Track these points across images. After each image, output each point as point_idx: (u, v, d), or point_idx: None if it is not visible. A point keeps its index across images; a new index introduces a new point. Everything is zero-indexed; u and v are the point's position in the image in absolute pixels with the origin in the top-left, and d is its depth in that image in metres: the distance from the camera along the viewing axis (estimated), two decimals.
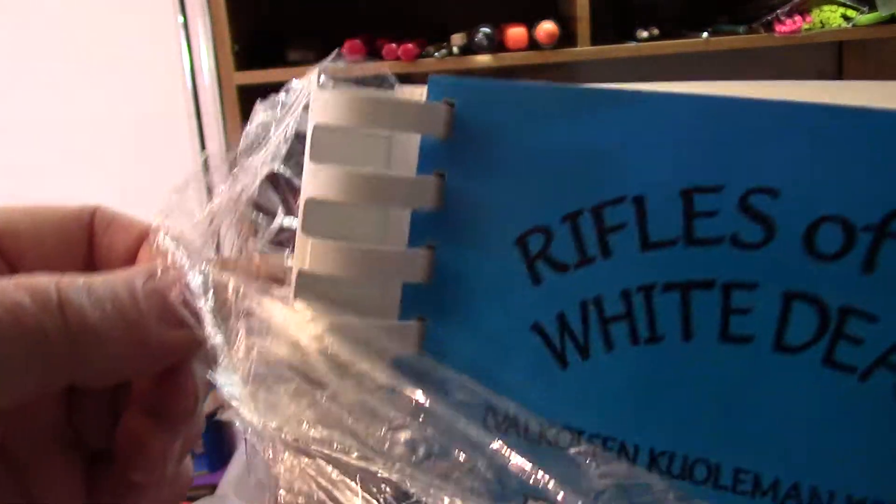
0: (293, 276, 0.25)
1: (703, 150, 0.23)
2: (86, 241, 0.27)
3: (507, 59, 1.22)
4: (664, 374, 0.24)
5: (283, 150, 0.27)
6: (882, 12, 1.19)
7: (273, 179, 0.28)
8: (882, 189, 0.22)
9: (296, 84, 0.28)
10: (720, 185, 0.23)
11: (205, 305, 0.25)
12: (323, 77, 0.27)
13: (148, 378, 0.25)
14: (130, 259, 0.26)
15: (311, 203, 0.25)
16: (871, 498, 0.22)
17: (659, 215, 0.24)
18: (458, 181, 0.25)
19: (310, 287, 0.25)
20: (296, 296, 0.25)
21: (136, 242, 0.26)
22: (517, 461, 0.23)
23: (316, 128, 0.25)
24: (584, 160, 0.24)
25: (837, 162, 0.22)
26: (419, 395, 0.24)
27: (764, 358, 0.23)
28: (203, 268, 0.26)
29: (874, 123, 0.22)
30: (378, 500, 0.23)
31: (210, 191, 0.28)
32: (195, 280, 0.25)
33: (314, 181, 0.25)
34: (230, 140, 1.28)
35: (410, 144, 0.26)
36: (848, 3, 1.21)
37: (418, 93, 0.26)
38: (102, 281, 0.23)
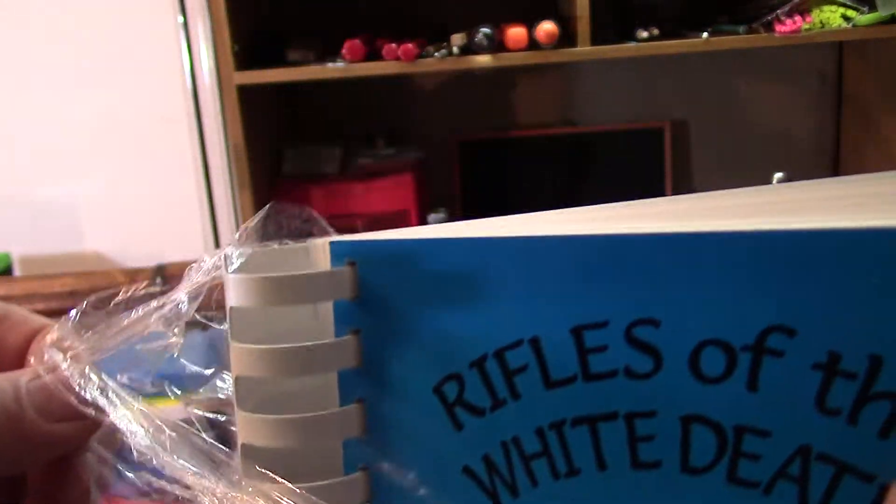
0: (238, 452, 0.27)
1: (586, 287, 0.24)
2: None
3: (507, 59, 1.22)
4: (587, 502, 0.25)
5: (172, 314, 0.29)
6: (882, 12, 1.19)
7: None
8: (753, 308, 0.22)
9: (207, 262, 0.29)
10: (605, 320, 0.24)
11: (92, 392, 0.26)
12: (236, 253, 0.28)
13: (40, 470, 0.25)
14: (20, 357, 0.26)
15: (241, 380, 0.27)
16: None
17: (555, 354, 0.24)
18: (374, 338, 0.26)
19: (254, 460, 0.27)
20: (242, 470, 0.27)
21: (27, 341, 0.26)
22: None
23: (232, 310, 0.27)
24: (481, 306, 0.25)
25: (709, 286, 0.23)
26: None
27: (674, 481, 0.24)
28: (86, 371, 0.27)
29: (737, 246, 0.22)
30: None
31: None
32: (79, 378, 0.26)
33: (239, 360, 0.26)
34: (230, 140, 1.28)
35: (324, 309, 0.27)
36: (848, 3, 1.21)
37: (323, 249, 0.27)
38: None
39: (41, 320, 0.27)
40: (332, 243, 0.27)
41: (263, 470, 0.27)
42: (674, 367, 0.23)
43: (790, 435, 0.22)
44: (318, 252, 0.28)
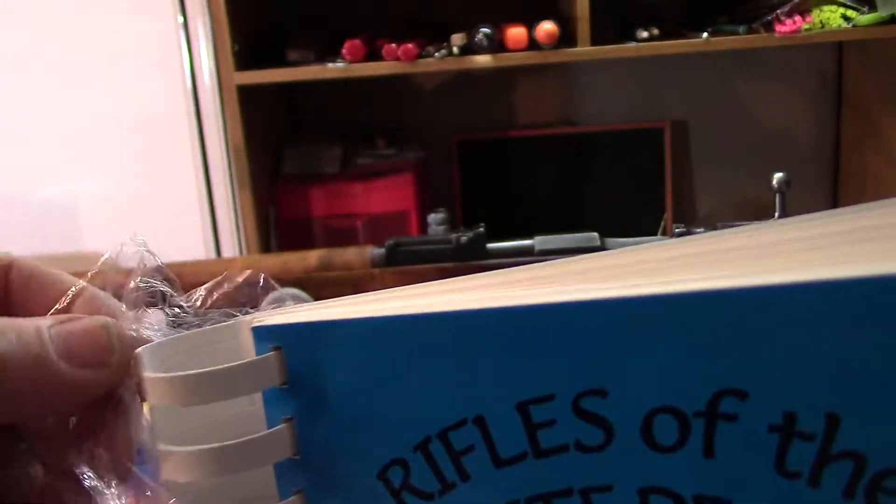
0: None
1: (528, 360, 0.23)
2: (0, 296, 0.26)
3: (507, 59, 1.22)
4: None
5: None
6: (882, 12, 1.19)
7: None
8: (702, 372, 0.21)
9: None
10: (550, 393, 0.23)
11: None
12: (147, 353, 0.25)
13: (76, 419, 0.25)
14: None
15: (175, 487, 0.25)
16: None
17: (502, 432, 0.23)
18: (308, 425, 0.25)
19: None
20: None
21: (53, 301, 0.26)
22: None
23: (153, 409, 0.25)
24: (418, 386, 0.24)
25: (655, 351, 0.21)
26: None
27: None
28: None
29: (679, 308, 0.21)
30: None
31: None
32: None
33: (172, 466, 0.25)
34: (230, 140, 1.28)
35: (253, 401, 0.25)
36: (848, 3, 1.21)
37: (245, 333, 0.25)
38: (7, 319, 0.23)
39: (70, 280, 0.27)
40: (254, 329, 0.25)
41: None
42: (626, 437, 0.22)
43: (751, 501, 0.22)
44: (245, 332, 0.25)
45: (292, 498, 0.25)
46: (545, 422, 0.23)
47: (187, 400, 0.24)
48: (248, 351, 0.25)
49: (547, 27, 1.19)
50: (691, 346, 0.21)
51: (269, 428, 0.25)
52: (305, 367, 0.25)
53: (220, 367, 0.24)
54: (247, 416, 0.26)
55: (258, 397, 0.25)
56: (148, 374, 0.24)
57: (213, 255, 1.58)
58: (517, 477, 0.23)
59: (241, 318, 0.26)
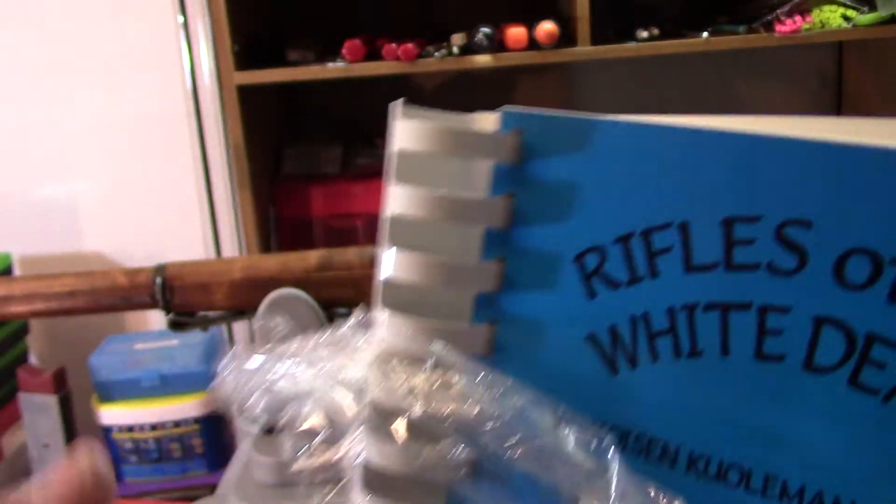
0: (377, 286, 0.29)
1: (745, 182, 0.25)
2: None
3: (507, 59, 1.22)
4: (704, 385, 0.26)
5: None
6: (882, 12, 1.19)
7: None
8: None
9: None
10: (759, 215, 0.25)
11: None
12: (401, 106, 0.30)
13: None
14: None
15: (395, 219, 0.29)
16: None
17: (702, 241, 0.26)
18: (526, 203, 0.28)
19: (392, 294, 0.29)
20: (381, 302, 0.29)
21: None
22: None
23: (400, 153, 0.29)
24: (637, 188, 0.26)
25: (867, 198, 0.23)
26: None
27: (794, 376, 0.25)
28: None
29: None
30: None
31: None
32: None
33: (397, 200, 0.29)
34: (230, 140, 1.28)
35: (485, 167, 0.29)
36: (848, 3, 1.20)
37: (491, 119, 0.29)
38: None
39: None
40: (503, 112, 0.30)
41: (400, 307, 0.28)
42: (818, 268, 0.24)
43: None
44: (485, 122, 0.30)
45: (493, 261, 0.28)
46: (745, 240, 0.25)
47: (436, 147, 0.28)
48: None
49: (547, 27, 1.19)
50: None
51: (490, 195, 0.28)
52: (539, 152, 0.28)
53: (470, 128, 0.29)
54: (468, 187, 0.29)
55: (481, 177, 0.29)
56: (403, 120, 0.29)
57: (213, 255, 1.58)
58: (702, 283, 0.26)
59: (483, 112, 0.30)
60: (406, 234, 0.29)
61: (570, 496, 0.25)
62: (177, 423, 1.05)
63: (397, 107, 0.30)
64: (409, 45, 1.20)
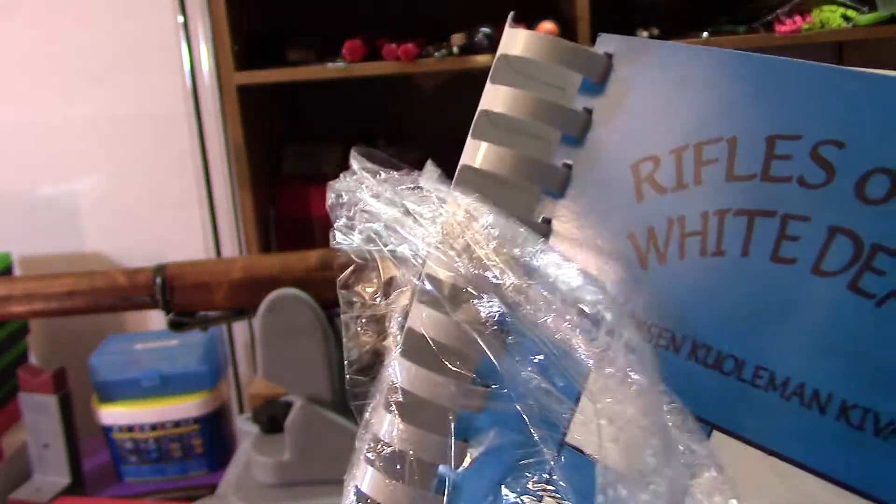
0: (457, 171, 0.33)
1: (790, 104, 0.29)
2: None
3: None
4: (720, 281, 0.29)
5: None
6: (882, 12, 1.19)
7: None
8: None
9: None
10: (799, 134, 0.28)
11: None
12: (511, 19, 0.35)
13: None
14: None
15: (483, 113, 0.33)
16: (862, 405, 0.26)
17: (745, 154, 0.29)
18: (600, 115, 0.32)
19: (469, 180, 0.33)
20: (455, 184, 0.33)
21: None
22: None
23: (501, 56, 0.34)
24: (695, 107, 0.30)
25: (893, 123, 0.27)
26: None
27: (802, 278, 0.28)
28: None
29: None
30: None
31: None
32: None
33: (489, 97, 0.34)
34: (230, 140, 1.28)
35: (576, 79, 0.33)
36: (848, 3, 1.20)
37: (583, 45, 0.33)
38: None
39: None
40: (600, 34, 0.33)
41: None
42: (843, 183, 0.27)
43: None
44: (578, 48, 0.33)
45: (560, 166, 0.32)
46: (783, 155, 0.28)
47: (537, 52, 0.33)
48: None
49: (547, 27, 1.19)
50: None
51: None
52: (620, 73, 0.32)
53: (569, 42, 0.33)
54: (557, 98, 0.33)
55: (571, 91, 0.33)
56: (510, 28, 0.34)
57: (213, 255, 1.58)
58: (738, 191, 0.29)
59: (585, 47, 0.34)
60: (490, 127, 0.33)
61: (585, 374, 0.29)
62: (177, 423, 1.05)
63: (510, 17, 0.35)
64: (409, 45, 1.20)
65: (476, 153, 0.33)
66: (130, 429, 1.05)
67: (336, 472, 0.74)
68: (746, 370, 0.28)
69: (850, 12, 1.20)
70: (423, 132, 1.54)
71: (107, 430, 1.05)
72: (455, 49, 1.21)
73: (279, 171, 1.46)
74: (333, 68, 1.24)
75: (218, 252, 1.58)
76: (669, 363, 0.29)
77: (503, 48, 0.34)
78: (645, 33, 1.24)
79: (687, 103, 0.30)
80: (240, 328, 1.61)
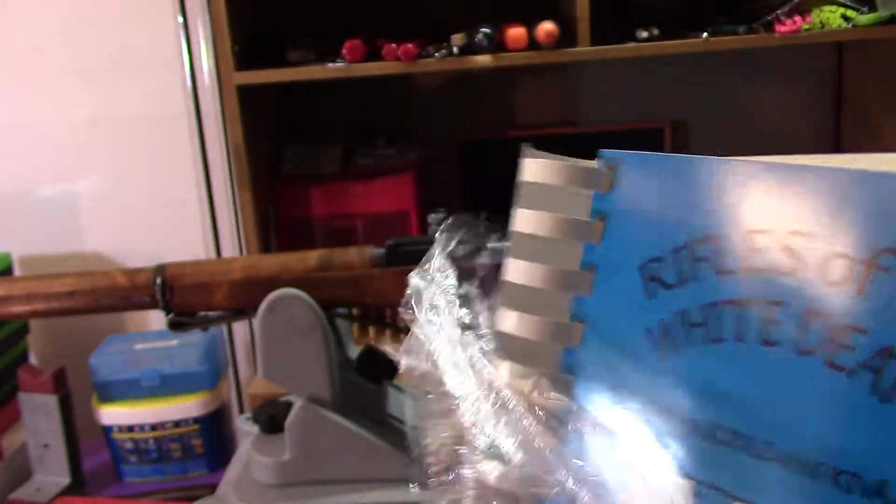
0: (501, 287, 0.39)
1: (760, 202, 0.32)
2: None
3: (507, 59, 1.22)
4: (722, 364, 0.32)
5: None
6: (882, 12, 1.19)
7: None
8: (874, 234, 0.29)
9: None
10: (768, 228, 0.31)
11: None
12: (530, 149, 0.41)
13: None
14: None
15: (516, 235, 0.40)
16: (849, 470, 0.29)
17: (729, 250, 0.32)
18: (613, 223, 0.37)
19: (510, 294, 0.39)
20: (501, 302, 0.39)
21: None
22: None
23: (525, 184, 0.40)
24: (689, 209, 0.34)
25: (853, 212, 0.29)
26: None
27: (786, 358, 0.31)
28: None
29: (864, 184, 0.29)
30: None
31: None
32: None
33: (519, 220, 0.39)
34: (230, 140, 1.28)
35: (585, 198, 0.38)
36: (848, 3, 1.20)
37: (591, 162, 0.39)
38: None
39: None
40: (601, 152, 0.39)
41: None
42: (809, 269, 0.30)
43: (881, 335, 0.28)
44: (587, 163, 0.39)
45: (587, 272, 0.37)
46: (760, 247, 0.31)
47: (552, 179, 0.39)
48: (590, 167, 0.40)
49: (547, 27, 1.19)
50: (869, 213, 0.29)
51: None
52: (623, 183, 0.37)
53: (577, 164, 0.39)
54: (578, 212, 0.39)
55: (586, 202, 0.38)
56: (529, 159, 0.40)
57: (213, 255, 1.58)
58: (728, 285, 0.32)
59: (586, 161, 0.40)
60: (523, 247, 0.39)
61: None
62: (177, 423, 1.05)
63: (525, 149, 0.41)
64: (409, 45, 1.20)
65: (514, 270, 0.39)
66: (130, 429, 1.05)
67: (336, 472, 0.74)
68: (755, 444, 0.31)
69: (849, 12, 1.20)
70: (423, 132, 1.54)
71: (107, 430, 1.05)
72: (455, 49, 1.21)
73: (279, 171, 1.46)
74: (333, 68, 1.23)
75: (218, 252, 1.58)
76: (693, 445, 0.33)
77: (524, 177, 0.40)
78: (645, 33, 1.24)
79: (681, 207, 0.34)
80: (240, 328, 1.61)
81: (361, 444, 0.72)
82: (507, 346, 0.38)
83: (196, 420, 1.06)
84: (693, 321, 0.33)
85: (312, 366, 0.72)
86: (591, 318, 0.37)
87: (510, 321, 0.38)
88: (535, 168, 0.39)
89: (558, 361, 0.37)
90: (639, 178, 0.36)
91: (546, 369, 0.37)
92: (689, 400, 0.33)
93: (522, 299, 0.38)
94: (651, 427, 0.33)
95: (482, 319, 0.38)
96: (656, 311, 0.34)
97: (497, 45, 1.21)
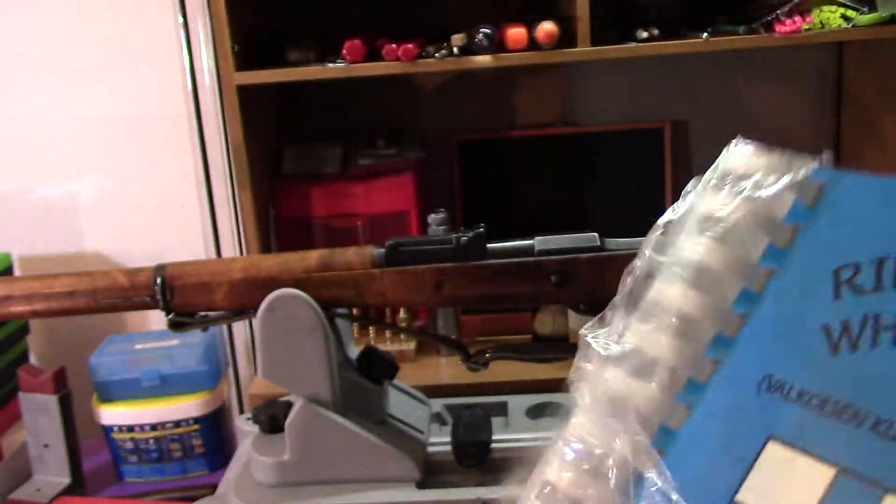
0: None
1: None
2: None
3: (507, 59, 1.22)
4: None
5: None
6: (882, 12, 1.19)
7: None
8: None
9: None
10: None
11: None
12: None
13: None
14: None
15: (704, 215, 0.43)
16: None
17: None
18: (807, 231, 0.40)
19: (684, 267, 0.42)
20: (667, 278, 0.42)
21: None
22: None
23: (726, 171, 0.44)
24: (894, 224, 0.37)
25: None
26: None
27: None
28: None
29: None
30: None
31: None
32: None
33: (708, 202, 0.43)
34: (230, 140, 1.28)
35: (790, 198, 0.41)
36: (848, 3, 1.20)
37: (805, 169, 0.42)
38: None
39: None
40: (815, 169, 0.41)
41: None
42: None
43: None
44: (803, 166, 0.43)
45: (763, 269, 0.40)
46: None
47: (762, 167, 0.43)
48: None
49: (547, 27, 1.19)
50: None
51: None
52: (829, 201, 0.40)
53: (792, 162, 0.42)
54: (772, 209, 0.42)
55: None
56: (737, 147, 0.44)
57: (213, 255, 1.58)
58: None
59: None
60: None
61: None
62: (177, 423, 1.05)
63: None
64: (409, 45, 1.20)
65: (672, 294, 0.42)
66: (130, 429, 1.05)
67: (336, 472, 0.74)
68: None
69: (850, 12, 1.20)
70: (423, 132, 1.54)
71: (107, 430, 1.06)
72: (455, 49, 1.21)
73: (279, 171, 1.46)
74: (333, 68, 1.23)
75: (218, 252, 1.58)
76: (850, 434, 0.34)
77: (727, 162, 0.43)
78: (645, 33, 1.24)
79: (887, 220, 0.37)
80: (240, 328, 1.61)
81: (361, 444, 0.72)
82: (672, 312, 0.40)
83: (196, 420, 1.06)
84: (883, 325, 0.35)
85: (312, 366, 0.72)
86: (755, 313, 0.39)
87: (676, 291, 0.41)
88: (744, 156, 0.42)
89: (706, 344, 0.40)
90: (848, 199, 0.39)
91: (695, 350, 0.40)
92: (859, 392, 0.35)
93: (695, 275, 0.41)
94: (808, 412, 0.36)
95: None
96: (839, 312, 0.37)
97: (497, 45, 1.21)
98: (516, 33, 1.21)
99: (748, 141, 0.44)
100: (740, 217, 0.41)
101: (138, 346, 1.11)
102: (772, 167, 0.42)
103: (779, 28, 1.19)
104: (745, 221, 0.41)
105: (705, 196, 0.43)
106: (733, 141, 0.43)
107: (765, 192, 0.42)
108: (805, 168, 0.42)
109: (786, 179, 0.41)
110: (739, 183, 0.42)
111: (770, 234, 0.40)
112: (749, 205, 0.41)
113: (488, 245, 0.84)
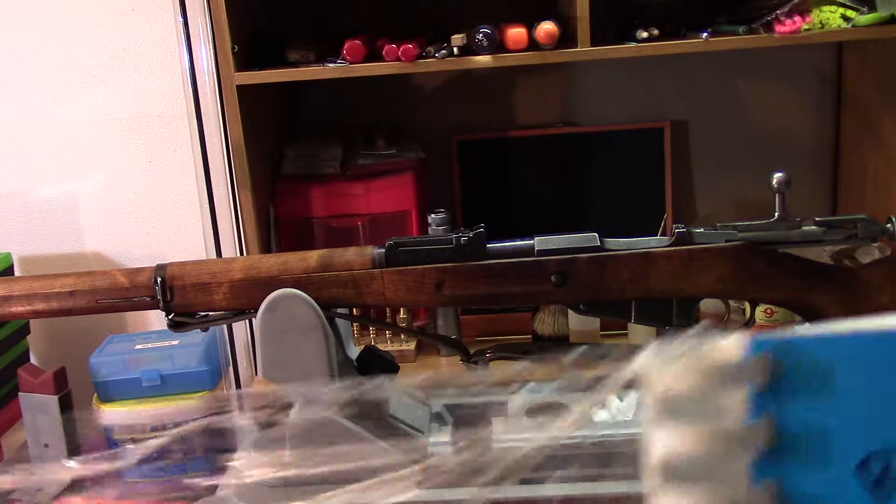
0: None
1: None
2: None
3: (507, 59, 1.22)
4: None
5: None
6: (882, 12, 1.19)
7: None
8: None
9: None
10: None
11: None
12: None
13: None
14: None
15: (664, 460, 0.32)
16: None
17: None
18: (788, 420, 0.30)
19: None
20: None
21: None
22: None
23: (664, 396, 0.32)
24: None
25: None
26: None
27: None
28: None
29: None
30: None
31: None
32: None
33: (672, 438, 0.31)
34: (230, 140, 1.28)
35: (740, 395, 0.31)
36: (848, 3, 1.20)
37: (735, 346, 0.31)
38: None
39: None
40: (753, 338, 0.30)
41: None
42: None
43: None
44: (729, 350, 0.31)
45: (765, 483, 0.30)
46: None
47: (698, 383, 0.31)
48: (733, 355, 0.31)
49: (547, 27, 1.19)
50: None
51: (750, 420, 0.31)
52: (794, 369, 0.30)
53: (723, 359, 0.31)
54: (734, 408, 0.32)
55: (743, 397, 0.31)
56: (659, 363, 0.32)
57: (213, 255, 1.58)
58: None
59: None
60: (681, 473, 0.32)
61: None
62: (177, 423, 1.05)
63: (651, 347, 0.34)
64: (409, 45, 1.20)
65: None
66: (131, 429, 1.05)
67: (336, 472, 0.74)
68: None
69: (849, 12, 1.20)
70: (423, 132, 1.54)
71: (107, 430, 1.06)
72: (455, 49, 1.21)
73: (279, 171, 1.46)
74: (333, 68, 1.24)
75: (218, 252, 1.58)
76: None
77: (658, 385, 0.34)
78: (645, 33, 1.24)
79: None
80: (240, 328, 1.61)
81: (361, 444, 0.72)
82: None
83: (196, 420, 1.06)
84: None
85: (312, 366, 0.73)
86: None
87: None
88: (671, 374, 0.33)
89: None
90: (820, 360, 0.32)
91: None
92: None
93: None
94: None
95: None
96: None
97: (497, 45, 1.21)
98: (516, 33, 1.21)
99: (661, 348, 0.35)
100: (706, 450, 0.32)
101: (138, 346, 1.11)
102: (706, 373, 0.33)
103: (778, 28, 1.19)
104: (712, 451, 0.32)
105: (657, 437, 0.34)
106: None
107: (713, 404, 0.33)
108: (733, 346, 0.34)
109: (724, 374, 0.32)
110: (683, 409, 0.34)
111: (743, 442, 0.32)
112: (709, 431, 0.33)
113: (488, 245, 0.84)
